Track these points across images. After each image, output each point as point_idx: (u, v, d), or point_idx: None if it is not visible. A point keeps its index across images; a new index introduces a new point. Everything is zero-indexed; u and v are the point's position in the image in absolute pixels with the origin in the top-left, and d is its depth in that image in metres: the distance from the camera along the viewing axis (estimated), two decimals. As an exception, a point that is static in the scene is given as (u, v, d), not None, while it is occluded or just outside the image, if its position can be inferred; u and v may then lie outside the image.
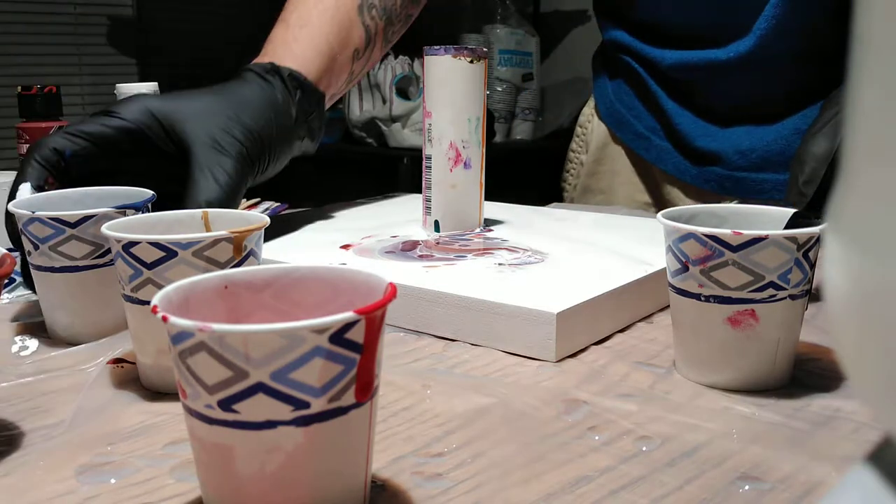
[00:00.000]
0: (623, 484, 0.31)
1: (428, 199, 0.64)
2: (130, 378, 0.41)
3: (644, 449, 0.34)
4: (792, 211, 0.42)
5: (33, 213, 0.44)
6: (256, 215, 0.42)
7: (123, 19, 2.14)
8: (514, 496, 0.30)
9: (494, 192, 0.71)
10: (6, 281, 0.50)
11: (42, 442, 0.35)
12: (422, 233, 0.64)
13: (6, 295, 0.54)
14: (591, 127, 0.93)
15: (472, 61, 0.62)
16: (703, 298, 0.39)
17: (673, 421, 0.36)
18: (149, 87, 0.83)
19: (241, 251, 0.38)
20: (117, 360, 0.42)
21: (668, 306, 0.42)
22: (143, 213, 0.46)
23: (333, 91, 0.69)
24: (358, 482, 0.28)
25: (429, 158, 0.64)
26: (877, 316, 0.14)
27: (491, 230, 0.65)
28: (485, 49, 0.64)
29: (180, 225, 0.43)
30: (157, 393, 0.39)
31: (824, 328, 0.46)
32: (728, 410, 0.37)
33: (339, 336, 0.25)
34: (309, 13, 0.67)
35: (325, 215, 0.71)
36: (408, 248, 0.59)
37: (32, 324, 0.49)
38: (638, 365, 0.43)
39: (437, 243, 0.61)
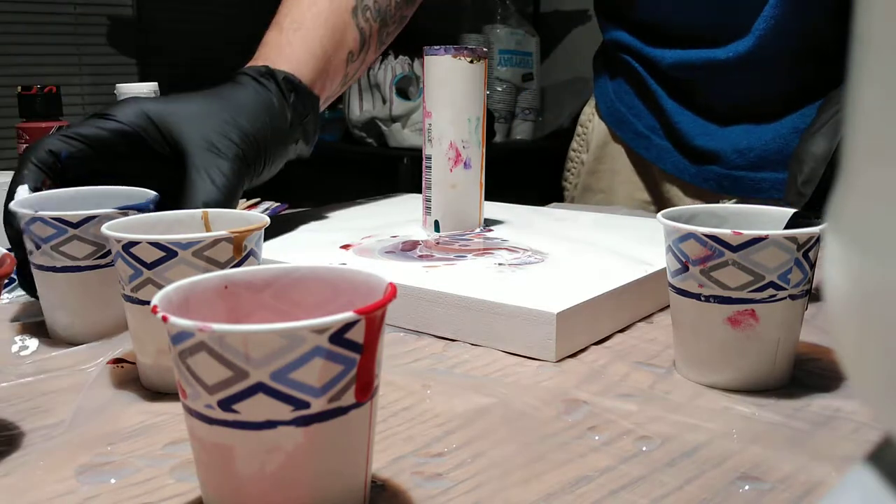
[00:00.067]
0: (623, 484, 0.31)
1: (428, 199, 0.64)
2: (130, 378, 0.41)
3: (644, 449, 0.34)
4: (792, 211, 0.42)
5: (35, 212, 0.44)
6: (256, 215, 0.42)
7: (123, 19, 2.13)
8: (514, 496, 0.30)
9: (494, 192, 0.71)
10: (6, 281, 0.50)
11: (42, 442, 0.35)
12: (422, 233, 0.64)
13: (6, 295, 0.54)
14: (592, 126, 0.93)
15: (472, 61, 0.62)
16: (703, 298, 0.39)
17: (673, 421, 0.36)
18: (149, 87, 0.83)
19: (241, 251, 0.38)
20: (117, 360, 0.42)
21: (668, 306, 0.42)
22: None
23: (328, 94, 0.68)
24: (358, 482, 0.28)
25: (429, 158, 0.64)
26: (877, 316, 0.14)
27: (491, 230, 0.65)
28: (485, 49, 0.64)
29: (180, 225, 0.43)
30: (157, 393, 0.39)
31: (824, 328, 0.46)
32: (728, 410, 0.37)
33: (339, 336, 0.25)
34: (303, 16, 0.66)
35: (325, 215, 0.71)
36: (408, 248, 0.59)
37: (32, 324, 0.49)
38: (638, 365, 0.43)
39: (437, 243, 0.61)
